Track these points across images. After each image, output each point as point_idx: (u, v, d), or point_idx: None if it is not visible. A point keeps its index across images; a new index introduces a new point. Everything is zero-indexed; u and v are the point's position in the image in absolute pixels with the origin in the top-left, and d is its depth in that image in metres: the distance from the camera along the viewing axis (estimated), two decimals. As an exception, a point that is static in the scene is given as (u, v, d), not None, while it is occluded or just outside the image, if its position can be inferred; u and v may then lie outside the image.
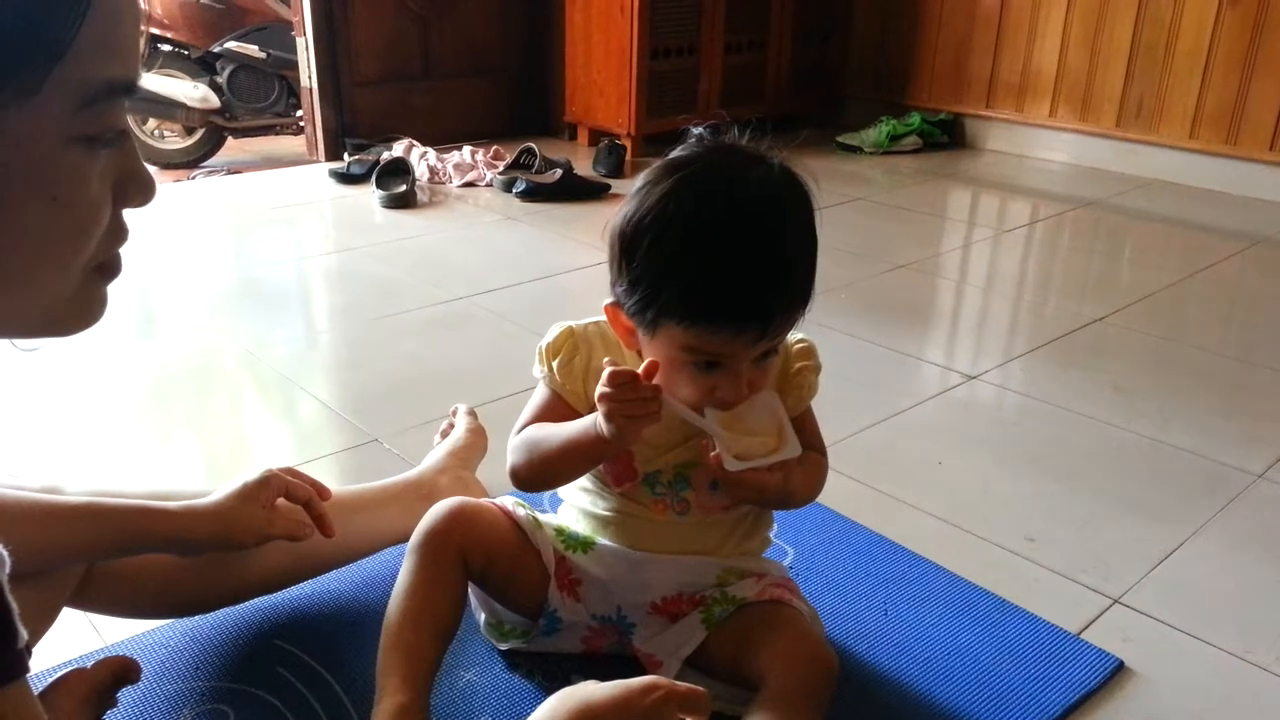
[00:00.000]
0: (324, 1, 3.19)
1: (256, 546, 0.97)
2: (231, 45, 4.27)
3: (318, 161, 3.31)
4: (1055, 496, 1.43)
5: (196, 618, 1.08)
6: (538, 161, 3.03)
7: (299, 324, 2.11)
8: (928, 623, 1.14)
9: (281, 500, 0.99)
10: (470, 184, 3.04)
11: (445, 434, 1.39)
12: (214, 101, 4.23)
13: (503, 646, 1.06)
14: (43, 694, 0.72)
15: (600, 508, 1.01)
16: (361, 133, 3.32)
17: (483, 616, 1.07)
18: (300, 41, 3.29)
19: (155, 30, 4.21)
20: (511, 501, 1.04)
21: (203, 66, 4.29)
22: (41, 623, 0.91)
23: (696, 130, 0.91)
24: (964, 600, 1.18)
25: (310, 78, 3.28)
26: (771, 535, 1.09)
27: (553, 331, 0.99)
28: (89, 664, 0.77)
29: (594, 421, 0.88)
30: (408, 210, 2.80)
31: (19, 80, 0.43)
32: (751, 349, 0.87)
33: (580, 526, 1.03)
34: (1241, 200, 3.04)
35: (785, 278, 0.86)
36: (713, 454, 0.90)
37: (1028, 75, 3.46)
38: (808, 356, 1.00)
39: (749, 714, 0.89)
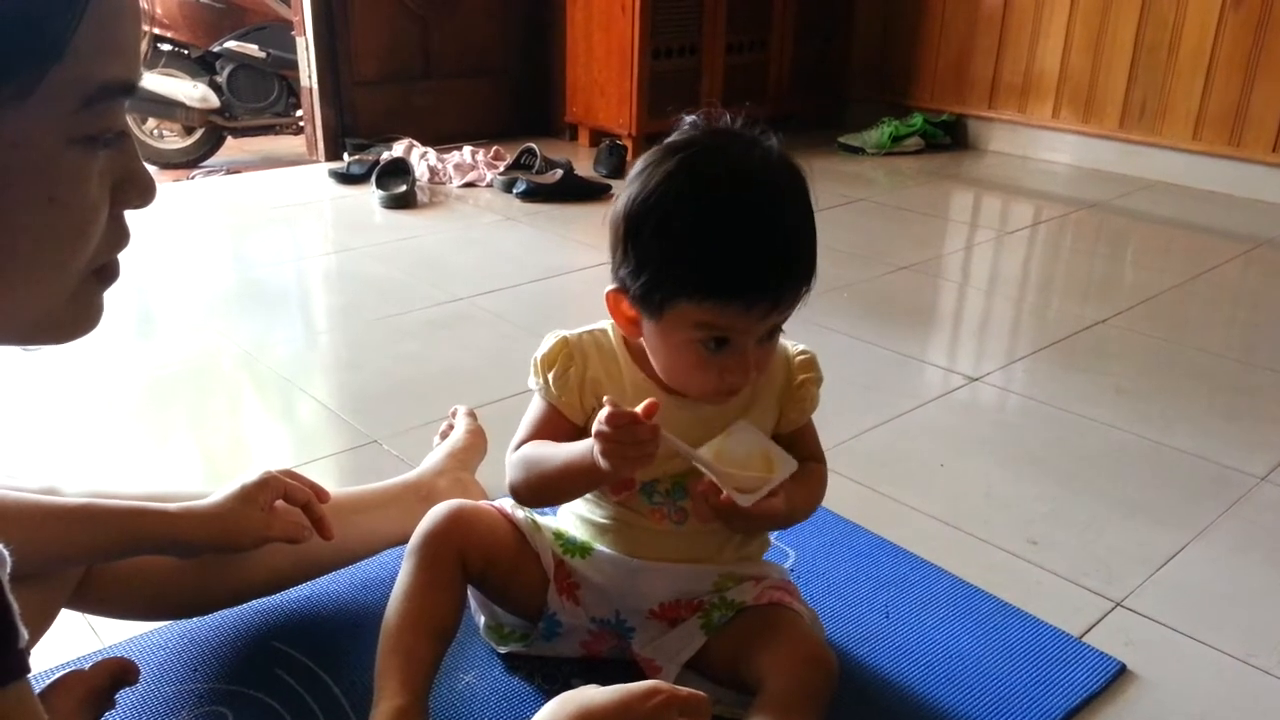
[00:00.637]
0: (324, 1, 3.18)
1: (255, 549, 0.97)
2: (231, 45, 4.26)
3: (317, 161, 3.31)
4: (1057, 499, 1.42)
5: (195, 619, 1.08)
6: (538, 162, 3.03)
7: (298, 324, 2.10)
8: (929, 626, 1.13)
9: (280, 502, 0.98)
10: (470, 184, 3.04)
11: (445, 435, 1.38)
12: (213, 101, 4.22)
13: (502, 650, 1.05)
14: (41, 695, 0.72)
15: (598, 515, 1.01)
16: (361, 133, 3.32)
17: (482, 619, 1.07)
18: (300, 41, 3.29)
19: (155, 30, 4.21)
20: (510, 504, 1.03)
21: (202, 66, 4.28)
22: (40, 624, 0.90)
23: (690, 118, 0.91)
24: (966, 603, 1.17)
25: (310, 77, 3.28)
26: (771, 538, 1.08)
27: (547, 342, 0.98)
28: (87, 665, 0.77)
29: (591, 449, 0.87)
30: (408, 211, 2.79)
31: (16, 81, 0.43)
32: (761, 323, 0.87)
33: (578, 532, 1.03)
34: (1245, 202, 3.04)
35: (794, 250, 0.86)
36: (722, 496, 0.88)
37: (1030, 76, 3.46)
38: (810, 369, 1.00)
39: (748, 717, 0.89)
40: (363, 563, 1.17)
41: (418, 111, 3.43)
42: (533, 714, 0.76)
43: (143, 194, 0.51)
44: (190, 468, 1.52)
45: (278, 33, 4.22)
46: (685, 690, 0.77)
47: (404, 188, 2.83)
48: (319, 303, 2.26)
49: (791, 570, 1.19)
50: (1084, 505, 1.41)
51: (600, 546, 1.00)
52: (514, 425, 0.99)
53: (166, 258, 2.36)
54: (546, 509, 1.07)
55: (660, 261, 0.86)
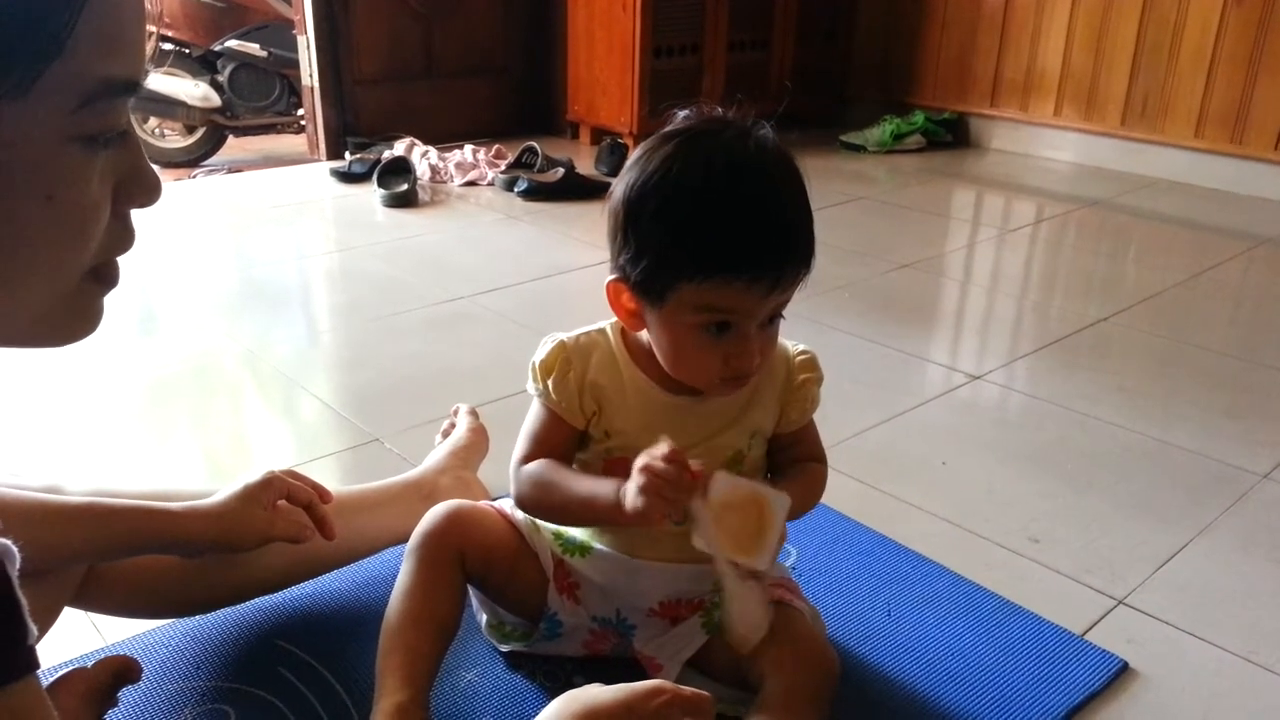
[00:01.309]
0: (325, 1, 3.18)
1: (257, 548, 0.97)
2: (232, 44, 4.26)
3: (319, 160, 3.31)
4: (1059, 497, 1.42)
5: (197, 617, 1.08)
6: (540, 160, 3.03)
7: (300, 323, 2.10)
8: (931, 623, 1.13)
9: (282, 502, 0.98)
10: (472, 183, 3.04)
11: (447, 434, 1.38)
12: (215, 100, 4.22)
13: (504, 648, 1.05)
14: (43, 693, 0.72)
15: None
16: (363, 131, 3.32)
17: (484, 618, 1.07)
18: (301, 40, 3.29)
19: (159, 30, 4.20)
20: (510, 504, 1.03)
21: (204, 65, 4.28)
22: (43, 622, 0.90)
23: (683, 112, 0.91)
24: (968, 601, 1.17)
25: (311, 76, 3.28)
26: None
27: (545, 346, 0.97)
28: (90, 663, 0.77)
29: (616, 490, 0.86)
30: (409, 209, 2.79)
31: (13, 77, 0.42)
32: (763, 303, 0.86)
33: (577, 532, 1.02)
34: (1247, 200, 3.03)
35: (793, 229, 0.87)
36: (739, 565, 0.87)
37: (1032, 74, 3.46)
38: (811, 369, 0.99)
39: (750, 715, 0.89)
40: (364, 561, 1.17)
41: (419, 110, 3.43)
42: (534, 712, 0.76)
43: (148, 193, 0.51)
44: (192, 466, 1.52)
45: (279, 32, 4.21)
46: (689, 690, 0.77)
47: (405, 186, 2.83)
48: (320, 301, 2.26)
49: (793, 568, 1.19)
50: (1086, 503, 1.41)
51: (599, 546, 1.00)
52: (516, 424, 0.99)
53: (168, 257, 2.36)
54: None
55: (660, 245, 0.86)
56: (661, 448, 0.84)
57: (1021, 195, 3.17)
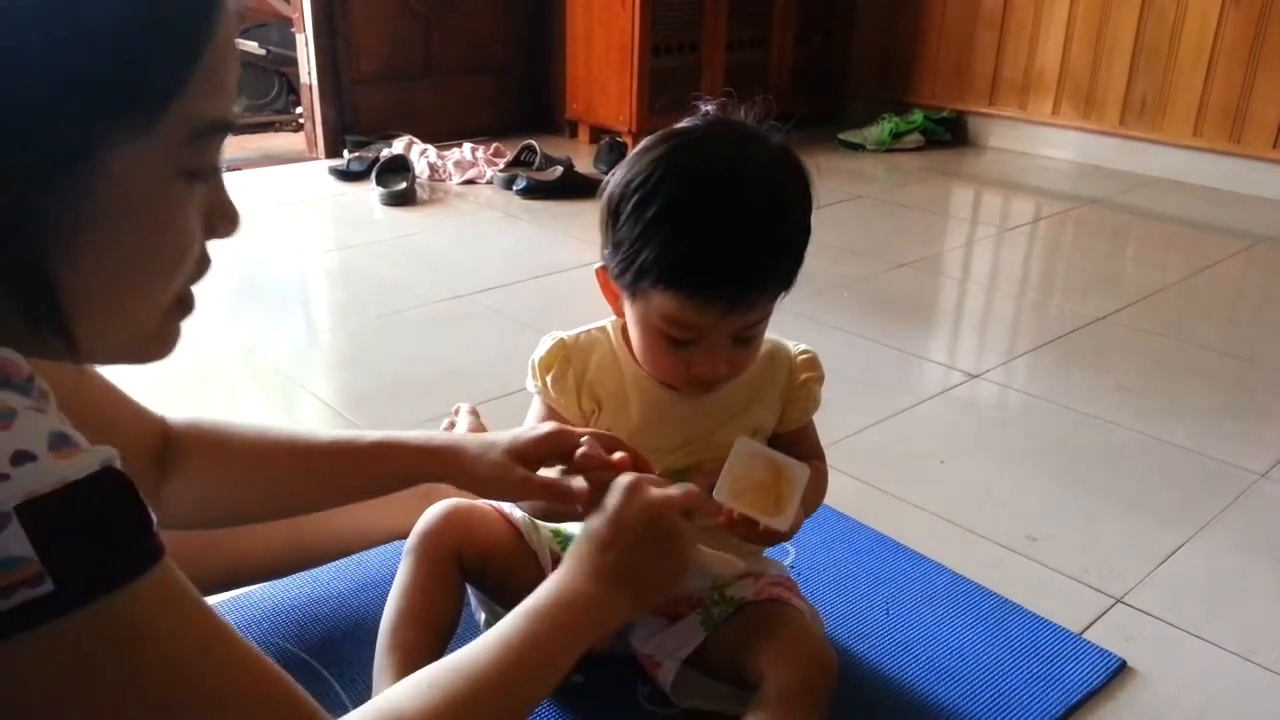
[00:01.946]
0: (325, -1, 3.18)
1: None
2: (232, 42, 4.26)
3: (317, 159, 3.31)
4: (1058, 496, 1.42)
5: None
6: (538, 159, 3.02)
7: (299, 322, 2.10)
8: (929, 622, 1.13)
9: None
10: (471, 181, 3.04)
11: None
12: (214, 98, 4.21)
13: (503, 646, 1.05)
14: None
15: None
16: (361, 130, 3.32)
17: (483, 616, 1.07)
18: (299, 38, 3.28)
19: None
20: (508, 503, 1.03)
21: (203, 63, 4.28)
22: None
23: (705, 107, 0.91)
24: (966, 600, 1.17)
25: (310, 74, 3.28)
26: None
27: (544, 344, 0.98)
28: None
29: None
30: (408, 208, 2.79)
31: (143, 114, 0.46)
32: (722, 322, 0.86)
33: (575, 529, 1.02)
34: (1245, 198, 3.03)
35: (759, 252, 0.86)
36: (760, 527, 0.87)
37: (1031, 73, 3.46)
38: (812, 368, 0.99)
39: (748, 713, 0.89)
40: (364, 562, 1.17)
41: (418, 108, 3.43)
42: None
43: (230, 225, 0.56)
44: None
45: (277, 30, 4.21)
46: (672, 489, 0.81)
47: (404, 185, 2.83)
48: (319, 300, 2.26)
49: (791, 567, 1.19)
50: (1084, 501, 1.41)
51: (599, 544, 1.00)
52: (516, 422, 0.99)
53: (167, 255, 2.35)
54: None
55: (631, 245, 0.86)
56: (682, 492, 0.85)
57: (1020, 194, 3.17)
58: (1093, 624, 1.15)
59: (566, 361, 0.96)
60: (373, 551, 1.18)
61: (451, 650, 0.96)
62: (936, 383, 1.79)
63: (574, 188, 2.89)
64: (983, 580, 1.21)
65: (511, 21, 3.61)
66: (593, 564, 0.77)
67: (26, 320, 0.47)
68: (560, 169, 2.94)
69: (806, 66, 3.76)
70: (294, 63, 3.55)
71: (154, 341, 0.55)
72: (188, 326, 0.57)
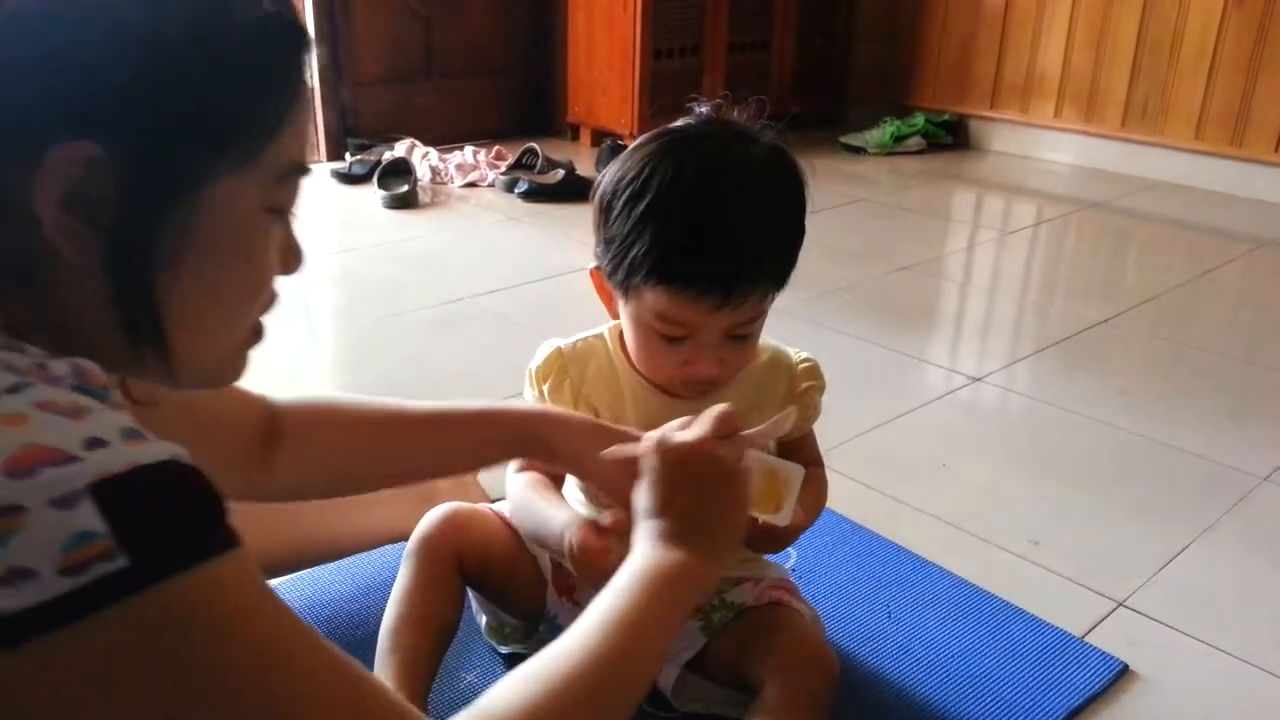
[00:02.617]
0: (325, 1, 3.18)
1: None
2: (234, 45, 4.27)
3: (319, 162, 3.31)
4: (1060, 499, 1.42)
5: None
6: (540, 162, 3.03)
7: (300, 324, 2.10)
8: (931, 625, 1.13)
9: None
10: (472, 184, 3.04)
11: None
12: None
13: (504, 650, 1.05)
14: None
15: (596, 517, 1.00)
16: (363, 133, 3.32)
17: (484, 619, 1.07)
18: (302, 41, 3.28)
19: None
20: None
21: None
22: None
23: (700, 108, 0.91)
24: (967, 603, 1.17)
25: (311, 77, 3.27)
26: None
27: (541, 353, 0.98)
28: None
29: (561, 535, 0.87)
30: (409, 211, 2.79)
31: (246, 150, 0.51)
32: (714, 318, 0.86)
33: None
34: (1247, 202, 3.03)
35: (749, 249, 0.86)
36: (759, 524, 0.87)
37: (1032, 76, 3.46)
38: (814, 376, 0.99)
39: (749, 717, 0.89)
40: (364, 565, 1.17)
41: (419, 111, 3.43)
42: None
43: (297, 261, 0.60)
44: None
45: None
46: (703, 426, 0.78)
47: (406, 188, 2.83)
48: (321, 303, 2.26)
49: (792, 570, 1.18)
50: (1086, 505, 1.41)
51: (599, 547, 1.00)
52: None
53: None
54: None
55: (623, 241, 0.86)
56: (604, 517, 0.84)
57: (1021, 197, 3.17)
58: (1095, 627, 1.15)
59: (564, 371, 0.96)
60: (372, 554, 1.18)
61: (450, 653, 0.97)
62: (938, 386, 1.79)
63: (576, 191, 2.89)
64: (984, 583, 1.20)
65: (513, 24, 3.62)
66: (657, 531, 0.74)
67: (129, 340, 0.51)
68: (562, 172, 2.94)
69: (807, 69, 3.76)
70: (296, 66, 3.56)
71: (229, 368, 0.59)
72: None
